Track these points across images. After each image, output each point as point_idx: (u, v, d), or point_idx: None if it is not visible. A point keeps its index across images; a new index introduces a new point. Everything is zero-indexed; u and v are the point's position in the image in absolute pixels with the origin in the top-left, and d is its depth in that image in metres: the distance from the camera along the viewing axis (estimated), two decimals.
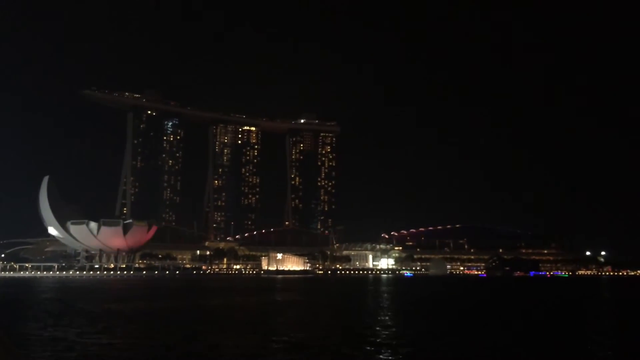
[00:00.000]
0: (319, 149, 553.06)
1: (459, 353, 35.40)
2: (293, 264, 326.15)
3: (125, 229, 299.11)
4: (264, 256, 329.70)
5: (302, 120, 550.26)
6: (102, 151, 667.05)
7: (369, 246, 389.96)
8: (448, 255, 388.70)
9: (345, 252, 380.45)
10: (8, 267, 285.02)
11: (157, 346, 36.34)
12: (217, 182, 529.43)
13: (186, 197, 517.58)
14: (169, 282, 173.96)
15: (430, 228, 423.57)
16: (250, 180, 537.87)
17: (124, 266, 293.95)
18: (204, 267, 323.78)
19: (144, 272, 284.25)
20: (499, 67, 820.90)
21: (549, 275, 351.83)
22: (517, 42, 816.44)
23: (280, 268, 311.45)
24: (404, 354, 33.95)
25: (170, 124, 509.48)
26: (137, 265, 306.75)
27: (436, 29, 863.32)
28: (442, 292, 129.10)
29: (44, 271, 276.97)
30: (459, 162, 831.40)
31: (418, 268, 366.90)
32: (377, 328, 47.08)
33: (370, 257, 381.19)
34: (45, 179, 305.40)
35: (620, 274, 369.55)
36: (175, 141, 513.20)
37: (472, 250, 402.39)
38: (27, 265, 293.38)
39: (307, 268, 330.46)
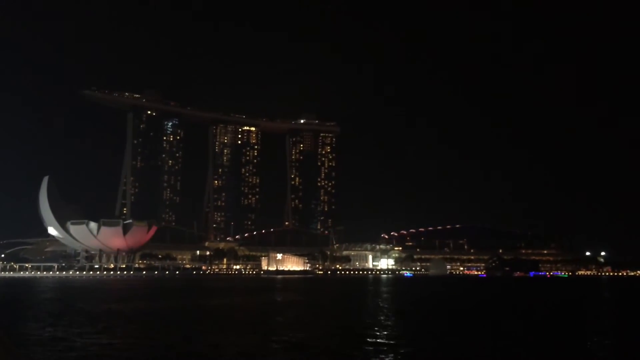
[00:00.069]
0: (319, 149, 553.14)
1: (459, 353, 35.41)
2: (293, 264, 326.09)
3: (125, 229, 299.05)
4: (264, 256, 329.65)
5: (302, 121, 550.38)
6: (102, 151, 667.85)
7: (368, 246, 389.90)
8: (448, 256, 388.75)
9: (345, 253, 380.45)
10: (8, 267, 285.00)
11: (157, 346, 36.35)
12: (217, 182, 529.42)
13: (186, 197, 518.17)
14: (169, 282, 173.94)
15: (430, 228, 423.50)
16: (250, 180, 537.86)
17: (123, 266, 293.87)
18: (203, 268, 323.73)
19: (144, 272, 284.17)
20: (499, 67, 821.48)
21: (548, 276, 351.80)
22: (518, 42, 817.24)
23: (280, 268, 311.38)
24: (404, 354, 33.97)
25: (170, 124, 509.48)
26: (137, 265, 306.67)
27: (436, 29, 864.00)
28: (442, 292, 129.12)
29: (43, 271, 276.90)
30: (459, 162, 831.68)
31: (418, 268, 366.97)
32: (377, 328, 47.09)
33: (370, 257, 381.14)
34: (45, 179, 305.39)
35: (620, 274, 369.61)
36: (175, 141, 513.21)
37: (472, 251, 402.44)
38: (27, 265, 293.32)
39: (307, 268, 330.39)
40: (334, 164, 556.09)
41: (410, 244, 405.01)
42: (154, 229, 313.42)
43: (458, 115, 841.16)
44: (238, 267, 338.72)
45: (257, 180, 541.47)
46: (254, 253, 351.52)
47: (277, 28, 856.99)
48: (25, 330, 43.77)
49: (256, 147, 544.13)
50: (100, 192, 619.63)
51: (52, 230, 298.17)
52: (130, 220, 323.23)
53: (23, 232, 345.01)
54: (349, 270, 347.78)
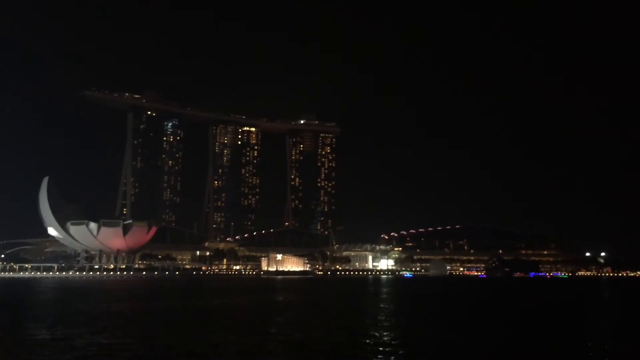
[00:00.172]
0: (319, 150, 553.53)
1: (459, 353, 35.42)
2: (293, 264, 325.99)
3: (125, 230, 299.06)
4: (264, 257, 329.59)
5: (302, 121, 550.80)
6: (102, 151, 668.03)
7: (368, 247, 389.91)
8: (448, 256, 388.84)
9: (345, 253, 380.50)
10: (8, 267, 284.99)
11: (156, 346, 36.37)
12: (217, 183, 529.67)
13: (186, 197, 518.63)
14: (169, 283, 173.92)
15: (430, 229, 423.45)
16: (250, 180, 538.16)
17: (123, 267, 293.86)
18: (203, 268, 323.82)
19: (144, 273, 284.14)
20: (499, 67, 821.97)
21: (548, 276, 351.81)
22: (518, 41, 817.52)
23: (280, 269, 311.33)
24: (403, 354, 33.97)
25: (170, 124, 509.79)
26: (136, 265, 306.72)
27: (436, 28, 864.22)
28: (442, 292, 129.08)
29: (43, 272, 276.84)
30: (459, 162, 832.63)
31: (418, 269, 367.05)
32: (377, 328, 47.10)
33: (370, 257, 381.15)
34: (45, 180, 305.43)
35: (620, 274, 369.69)
36: (175, 142, 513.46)
37: (471, 251, 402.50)
38: (26, 265, 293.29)
39: (307, 269, 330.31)
40: (333, 165, 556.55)
41: (410, 244, 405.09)
42: (153, 229, 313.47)
43: (458, 116, 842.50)
44: (238, 267, 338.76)
45: (257, 181, 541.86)
46: (253, 253, 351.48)
47: (277, 28, 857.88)
48: (25, 330, 43.77)
49: (256, 147, 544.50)
50: (100, 192, 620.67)
51: (52, 231, 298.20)
52: (130, 221, 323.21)
53: (23, 233, 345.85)
54: (349, 270, 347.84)
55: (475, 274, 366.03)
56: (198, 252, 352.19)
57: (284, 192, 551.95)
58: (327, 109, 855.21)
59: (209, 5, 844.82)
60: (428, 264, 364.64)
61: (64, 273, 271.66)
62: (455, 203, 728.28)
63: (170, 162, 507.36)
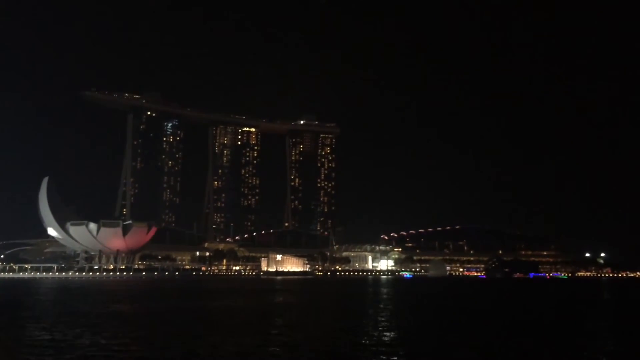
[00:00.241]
0: (319, 150, 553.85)
1: (459, 353, 35.39)
2: (292, 265, 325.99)
3: (125, 230, 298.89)
4: (264, 257, 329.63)
5: (301, 122, 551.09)
6: (102, 151, 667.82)
7: (368, 247, 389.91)
8: (447, 257, 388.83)
9: (344, 254, 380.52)
10: (7, 268, 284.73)
11: (156, 346, 36.34)
12: (217, 183, 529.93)
13: (186, 198, 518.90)
14: (169, 283, 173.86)
15: (430, 229, 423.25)
16: (250, 181, 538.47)
17: (123, 267, 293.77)
18: (203, 268, 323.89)
19: (144, 273, 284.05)
20: (499, 67, 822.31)
21: (548, 277, 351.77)
22: (517, 41, 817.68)
23: (280, 269, 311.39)
24: (403, 354, 33.94)
25: (170, 125, 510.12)
26: (136, 266, 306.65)
27: (436, 28, 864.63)
28: (442, 293, 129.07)
29: (43, 272, 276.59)
30: (459, 162, 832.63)
31: (417, 269, 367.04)
32: (376, 329, 47.07)
33: (370, 258, 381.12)
34: (45, 180, 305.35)
35: (620, 275, 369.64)
36: (175, 142, 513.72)
37: (471, 252, 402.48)
38: (26, 266, 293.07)
39: (307, 269, 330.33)
40: (333, 165, 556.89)
41: (409, 245, 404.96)
42: (153, 229, 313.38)
43: (458, 116, 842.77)
44: (238, 268, 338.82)
45: (257, 181, 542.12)
46: (253, 254, 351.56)
47: (277, 29, 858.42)
48: (24, 331, 43.75)
49: (256, 148, 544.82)
50: (100, 193, 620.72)
51: (51, 231, 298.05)
52: (130, 221, 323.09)
53: (22, 233, 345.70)
54: (349, 271, 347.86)
55: (475, 274, 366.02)
56: (198, 253, 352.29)
57: (284, 193, 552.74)
58: (327, 109, 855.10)
59: (209, 5, 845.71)
60: (428, 265, 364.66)
61: (63, 273, 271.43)
62: (455, 203, 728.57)
63: (170, 162, 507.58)
